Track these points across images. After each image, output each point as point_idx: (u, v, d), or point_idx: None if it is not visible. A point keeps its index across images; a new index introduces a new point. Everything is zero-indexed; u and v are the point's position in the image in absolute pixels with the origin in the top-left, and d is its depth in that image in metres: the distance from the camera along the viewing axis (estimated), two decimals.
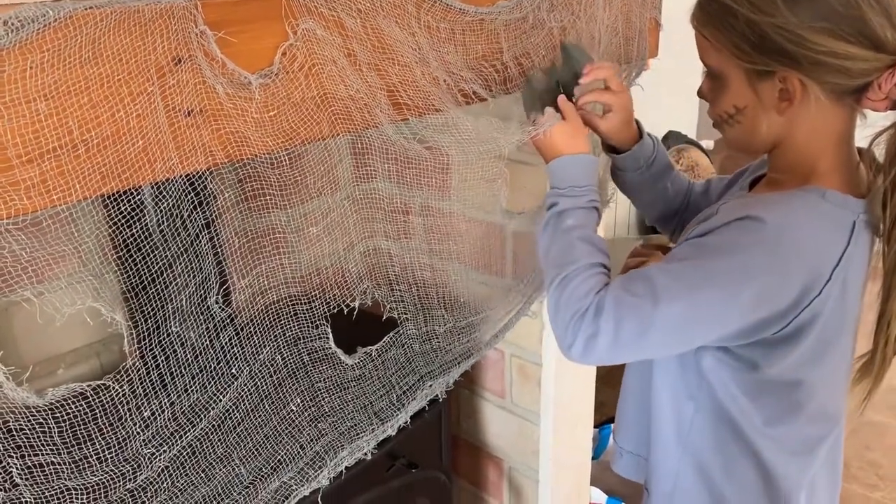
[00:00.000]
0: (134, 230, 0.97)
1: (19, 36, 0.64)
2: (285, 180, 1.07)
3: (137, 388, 1.00)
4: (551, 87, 1.12)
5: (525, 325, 1.52)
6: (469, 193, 1.48)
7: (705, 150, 3.23)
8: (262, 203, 1.10)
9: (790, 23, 0.86)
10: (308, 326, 1.20)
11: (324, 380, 1.23)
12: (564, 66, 1.14)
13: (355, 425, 1.24)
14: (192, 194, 1.01)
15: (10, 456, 0.91)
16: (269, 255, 1.16)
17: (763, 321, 0.89)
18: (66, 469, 0.96)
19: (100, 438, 0.97)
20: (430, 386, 1.34)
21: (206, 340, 1.07)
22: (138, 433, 1.02)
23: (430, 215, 1.45)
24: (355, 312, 1.23)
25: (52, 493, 0.94)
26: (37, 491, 0.93)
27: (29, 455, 0.93)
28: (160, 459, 1.04)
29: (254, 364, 1.15)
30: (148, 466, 1.03)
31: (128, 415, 0.99)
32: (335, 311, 1.22)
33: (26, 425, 0.91)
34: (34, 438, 0.92)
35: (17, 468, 0.91)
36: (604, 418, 2.30)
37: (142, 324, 1.02)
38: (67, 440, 0.94)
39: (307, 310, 1.19)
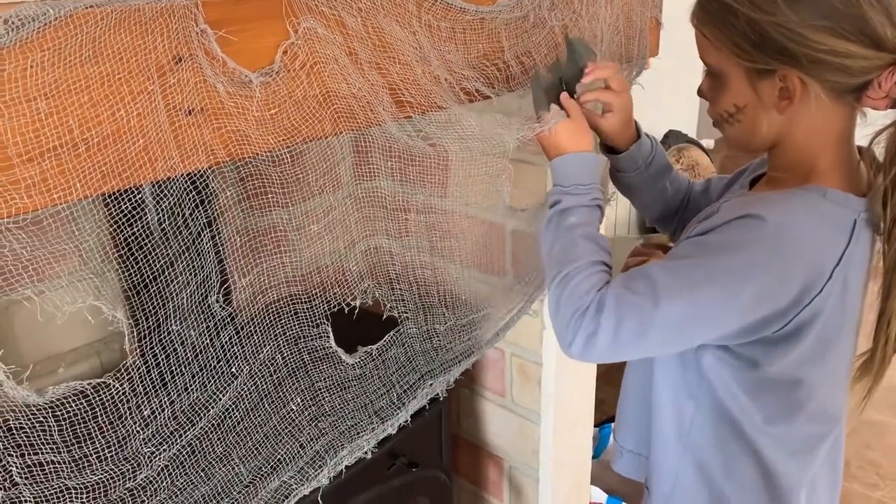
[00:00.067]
0: (135, 229, 0.97)
1: (20, 34, 0.64)
2: (287, 178, 1.07)
3: (138, 386, 1.00)
4: (555, 84, 1.12)
5: (525, 324, 1.52)
6: (472, 190, 1.48)
7: (705, 150, 3.22)
8: (263, 201, 1.10)
9: (791, 21, 0.86)
10: (308, 325, 1.20)
11: (324, 379, 1.23)
12: (569, 61, 1.14)
13: (355, 424, 1.24)
14: (193, 193, 1.01)
15: (9, 455, 0.91)
16: (270, 253, 1.16)
17: (763, 320, 0.90)
18: (66, 468, 0.96)
19: (100, 437, 0.97)
20: (431, 385, 1.34)
21: (206, 339, 1.07)
22: (138, 432, 1.02)
23: (431, 213, 1.45)
24: (356, 311, 1.23)
25: (52, 491, 0.94)
26: (36, 490, 0.93)
27: (29, 454, 0.93)
28: (160, 458, 1.04)
29: (254, 363, 1.15)
30: (148, 465, 1.03)
31: (128, 413, 0.99)
32: (336, 309, 1.22)
33: (26, 424, 0.91)
34: (34, 437, 0.92)
35: (16, 467, 0.91)
36: (604, 417, 2.30)
37: (142, 322, 1.02)
38: (67, 439, 0.94)
39: (308, 308, 1.19)
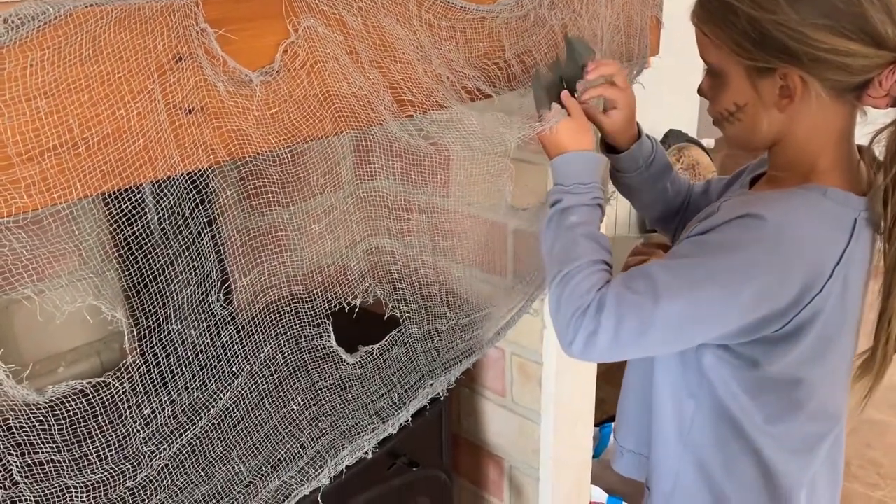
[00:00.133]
0: (135, 228, 0.97)
1: (20, 33, 0.64)
2: (287, 178, 1.07)
3: (138, 385, 1.00)
4: (556, 83, 1.11)
5: (526, 323, 1.52)
6: (473, 190, 1.48)
7: (706, 149, 3.22)
8: (263, 201, 1.10)
9: (791, 19, 0.86)
10: (309, 325, 1.20)
11: (325, 378, 1.23)
12: (568, 60, 1.14)
13: (356, 424, 1.24)
14: (194, 192, 1.01)
15: (9, 454, 0.91)
16: (271, 253, 1.16)
17: (764, 319, 0.89)
18: (66, 467, 0.95)
19: (100, 436, 0.97)
20: (432, 384, 1.34)
21: (206, 339, 1.07)
22: (138, 431, 1.02)
23: (433, 213, 1.45)
24: (357, 311, 1.23)
25: (52, 491, 0.94)
26: (36, 489, 0.93)
27: (29, 453, 0.93)
28: (160, 457, 1.04)
29: (254, 362, 1.15)
30: (148, 464, 1.03)
31: (128, 413, 0.99)
32: (337, 309, 1.22)
33: (26, 423, 0.91)
34: (34, 436, 0.92)
35: (16, 466, 0.91)
36: (604, 417, 2.30)
37: (142, 322, 1.02)
38: (67, 438, 0.94)
39: (309, 308, 1.19)
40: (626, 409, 1.20)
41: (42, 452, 0.93)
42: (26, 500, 0.92)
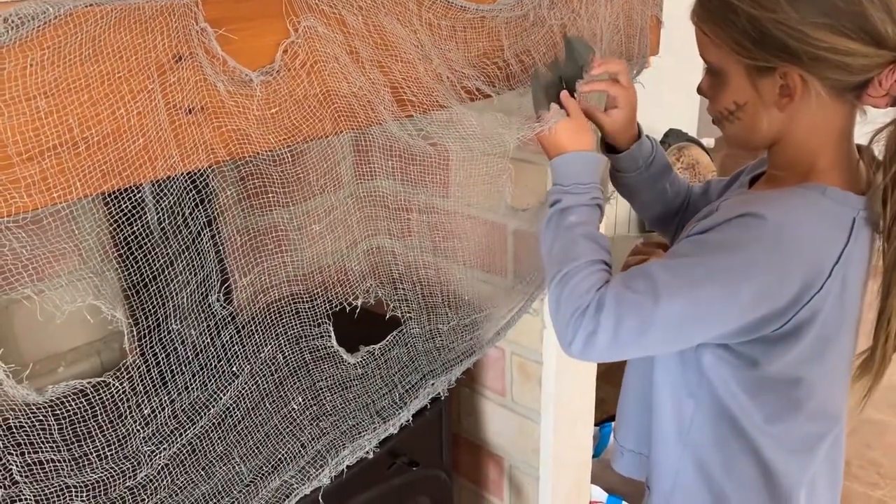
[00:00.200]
0: (134, 228, 0.97)
1: (19, 33, 0.64)
2: (287, 178, 1.07)
3: (138, 385, 1.00)
4: (555, 83, 1.11)
5: (526, 323, 1.52)
6: (473, 190, 1.48)
7: (706, 149, 3.22)
8: (263, 201, 1.10)
9: (791, 18, 0.86)
10: (310, 325, 1.20)
11: (326, 378, 1.23)
12: (568, 60, 1.14)
13: (357, 424, 1.24)
14: (194, 192, 1.01)
15: (9, 453, 0.91)
16: (271, 252, 1.16)
17: (763, 318, 0.89)
18: (66, 466, 0.96)
19: (100, 436, 0.97)
20: (433, 384, 1.34)
21: (206, 338, 1.07)
22: (138, 431, 1.02)
23: (433, 213, 1.45)
24: (358, 311, 1.23)
25: (52, 490, 0.94)
26: (36, 488, 0.93)
27: (29, 452, 0.93)
28: (160, 457, 1.04)
29: (255, 362, 1.15)
30: (148, 464, 1.03)
31: (128, 412, 0.99)
32: (338, 309, 1.22)
33: (26, 422, 0.91)
34: (34, 436, 0.92)
35: (16, 465, 0.91)
36: (604, 416, 2.30)
37: (142, 321, 1.02)
38: (67, 437, 0.94)
39: (309, 308, 1.19)
40: (625, 408, 1.20)
41: (42, 452, 0.93)
42: (26, 499, 0.92)
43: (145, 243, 0.98)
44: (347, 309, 1.23)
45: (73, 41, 0.68)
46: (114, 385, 0.95)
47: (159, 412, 1.03)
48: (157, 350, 1.03)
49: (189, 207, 1.01)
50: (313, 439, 1.19)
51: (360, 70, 0.93)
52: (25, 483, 0.92)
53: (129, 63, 0.72)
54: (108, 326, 0.90)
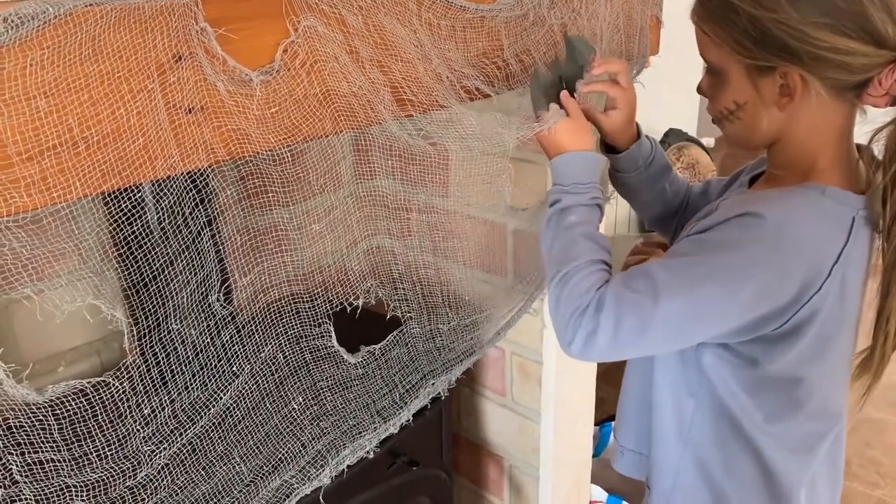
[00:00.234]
0: (134, 228, 0.97)
1: (19, 33, 0.64)
2: (287, 177, 1.07)
3: (138, 385, 1.00)
4: (555, 82, 1.11)
5: (526, 322, 1.52)
6: (473, 190, 1.48)
7: (706, 148, 3.22)
8: (263, 200, 1.10)
9: (792, 18, 0.86)
10: (310, 325, 1.20)
11: (326, 378, 1.23)
12: (568, 59, 1.13)
13: (357, 424, 1.24)
14: (193, 192, 1.01)
15: (9, 453, 0.91)
16: (271, 252, 1.16)
17: (763, 318, 0.89)
18: (66, 466, 0.96)
19: (100, 435, 0.97)
20: (433, 384, 1.34)
21: (206, 338, 1.07)
22: (138, 430, 1.02)
23: (433, 213, 1.45)
24: (359, 311, 1.23)
25: (52, 490, 0.94)
26: (36, 488, 0.93)
27: (29, 452, 0.93)
28: (160, 457, 1.04)
29: (255, 362, 1.15)
30: (148, 464, 1.03)
31: (128, 412, 0.99)
32: (338, 309, 1.22)
33: (26, 422, 0.91)
34: (34, 435, 0.92)
35: (16, 465, 0.91)
36: (604, 416, 2.30)
37: (142, 321, 1.02)
38: (67, 437, 0.94)
39: (309, 308, 1.19)
40: (625, 408, 1.20)
41: (42, 451, 0.93)
42: (26, 499, 0.92)
43: (145, 243, 0.98)
44: (348, 309, 1.22)
45: (72, 41, 0.68)
46: (114, 385, 0.95)
47: (159, 412, 1.03)
48: (157, 350, 1.03)
49: (189, 207, 1.01)
50: (314, 439, 1.19)
51: (359, 70, 0.93)
52: (25, 483, 0.92)
53: (128, 63, 0.72)
54: (107, 326, 0.90)
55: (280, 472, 1.14)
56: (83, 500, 0.96)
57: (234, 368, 1.12)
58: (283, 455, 1.16)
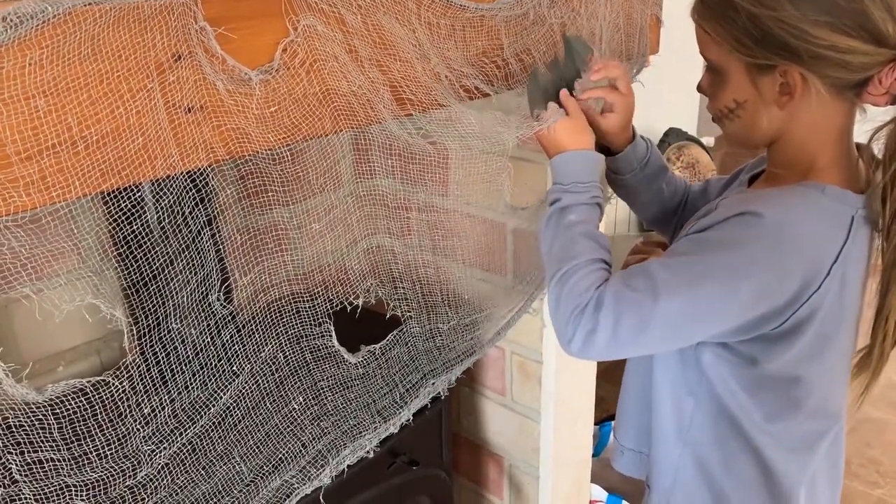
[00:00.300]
0: (134, 227, 0.97)
1: (18, 32, 0.64)
2: (287, 177, 1.07)
3: (137, 384, 1.00)
4: (554, 82, 1.11)
5: (525, 322, 1.52)
6: (472, 189, 1.48)
7: (706, 147, 3.22)
8: (263, 199, 1.10)
9: (792, 16, 0.86)
10: (310, 324, 1.19)
11: (326, 378, 1.23)
12: (567, 59, 1.13)
13: (358, 424, 1.24)
14: (193, 191, 1.01)
15: (9, 452, 0.91)
16: (271, 252, 1.16)
17: (762, 316, 0.89)
18: (66, 465, 0.96)
19: (99, 435, 0.97)
20: (433, 384, 1.34)
21: (207, 338, 1.07)
22: (138, 430, 1.02)
23: (433, 212, 1.45)
24: (359, 310, 1.23)
25: (52, 489, 0.94)
26: (36, 487, 0.93)
27: (28, 451, 0.93)
28: (160, 456, 1.04)
29: (255, 362, 1.15)
30: (148, 463, 1.03)
31: (128, 411, 0.99)
32: (338, 308, 1.22)
33: (26, 422, 0.91)
34: (34, 435, 0.92)
35: (16, 464, 0.91)
36: (604, 415, 2.30)
37: (142, 321, 1.02)
38: (67, 436, 0.94)
39: (310, 307, 1.19)
40: (625, 407, 1.20)
41: (42, 451, 0.93)
42: (26, 498, 0.92)
43: (145, 242, 0.98)
44: (348, 308, 1.22)
45: (71, 40, 0.67)
46: (113, 384, 0.95)
47: (159, 411, 1.03)
48: (157, 349, 1.03)
49: (189, 206, 1.01)
50: (314, 439, 1.19)
51: (359, 69, 0.93)
52: (25, 482, 0.92)
53: (127, 62, 0.72)
54: (107, 325, 0.90)
55: (280, 471, 1.14)
56: (83, 500, 0.96)
57: (234, 368, 1.12)
58: (284, 455, 1.16)
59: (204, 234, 1.05)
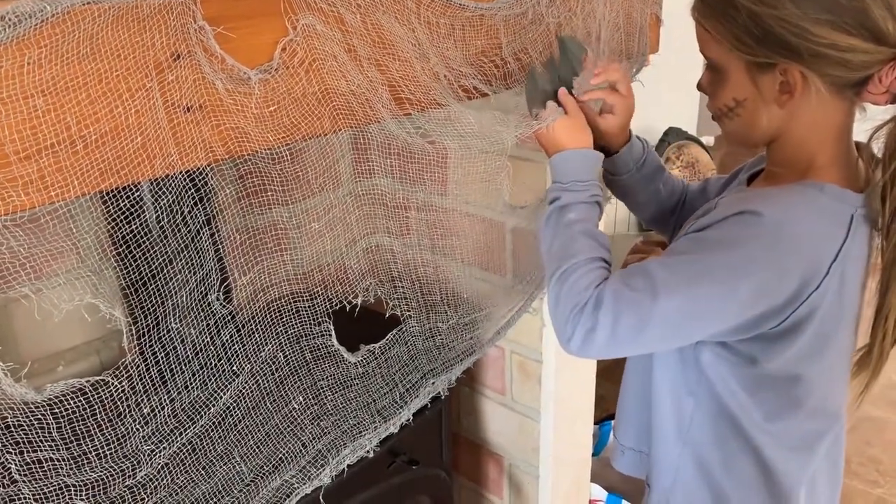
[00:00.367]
0: (133, 226, 0.97)
1: (17, 31, 0.64)
2: (286, 176, 1.07)
3: (137, 384, 1.00)
4: (552, 81, 1.11)
5: (525, 321, 1.52)
6: (471, 188, 1.47)
7: (706, 147, 3.22)
8: (262, 199, 1.09)
9: (792, 15, 0.86)
10: (310, 324, 1.19)
11: (326, 378, 1.23)
12: (563, 58, 1.13)
13: (358, 423, 1.24)
14: (192, 190, 1.01)
15: (8, 452, 0.91)
16: (271, 251, 1.16)
17: (762, 315, 0.89)
18: (65, 465, 0.95)
19: (99, 435, 0.97)
20: (433, 383, 1.34)
21: (206, 337, 1.07)
22: (138, 429, 1.02)
23: (432, 211, 1.45)
24: (358, 310, 1.23)
25: (51, 489, 0.94)
26: (35, 487, 0.93)
27: (27, 451, 0.93)
28: (160, 456, 1.04)
29: (255, 361, 1.15)
30: (148, 463, 1.03)
31: (127, 411, 0.99)
32: (337, 308, 1.22)
33: (25, 421, 0.91)
34: (33, 434, 0.92)
35: (15, 464, 0.91)
36: (604, 414, 2.30)
37: (141, 320, 1.02)
38: (66, 436, 0.94)
39: (309, 307, 1.19)
40: (625, 406, 1.20)
41: (41, 451, 0.93)
42: (25, 498, 0.92)
43: (144, 242, 0.98)
44: (347, 308, 1.22)
45: (70, 39, 0.67)
46: (113, 384, 0.95)
47: (159, 411, 1.03)
48: (157, 349, 1.03)
49: (188, 206, 1.01)
50: (314, 438, 1.19)
51: (358, 68, 0.93)
52: (24, 482, 0.92)
53: (126, 61, 0.72)
54: (106, 325, 0.90)
55: (280, 471, 1.14)
56: (82, 500, 0.96)
57: (234, 368, 1.12)
58: (284, 454, 1.16)
59: (203, 233, 1.05)
